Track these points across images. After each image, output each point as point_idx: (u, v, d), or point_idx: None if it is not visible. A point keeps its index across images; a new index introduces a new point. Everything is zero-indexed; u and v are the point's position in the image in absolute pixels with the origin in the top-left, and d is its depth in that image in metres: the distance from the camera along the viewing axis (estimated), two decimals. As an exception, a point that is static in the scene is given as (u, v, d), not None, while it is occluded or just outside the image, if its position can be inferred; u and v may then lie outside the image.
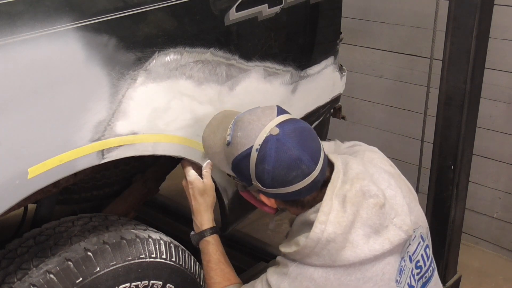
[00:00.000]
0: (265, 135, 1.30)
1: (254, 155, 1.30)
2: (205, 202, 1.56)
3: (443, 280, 2.25)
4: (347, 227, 1.27)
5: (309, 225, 1.30)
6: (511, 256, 2.86)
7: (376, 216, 1.29)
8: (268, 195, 1.36)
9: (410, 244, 1.37)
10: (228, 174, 1.48)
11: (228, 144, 1.37)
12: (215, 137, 1.45)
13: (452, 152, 2.05)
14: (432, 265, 1.45)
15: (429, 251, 1.43)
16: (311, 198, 1.34)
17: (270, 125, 1.31)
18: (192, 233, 1.59)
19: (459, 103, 1.98)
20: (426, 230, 1.45)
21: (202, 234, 1.55)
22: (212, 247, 1.54)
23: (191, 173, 1.55)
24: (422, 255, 1.40)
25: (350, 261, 1.26)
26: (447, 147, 2.06)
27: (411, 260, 1.37)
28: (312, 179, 1.30)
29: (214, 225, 1.57)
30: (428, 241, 1.44)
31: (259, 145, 1.30)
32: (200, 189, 1.54)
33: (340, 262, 1.26)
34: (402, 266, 1.33)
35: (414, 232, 1.38)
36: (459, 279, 2.36)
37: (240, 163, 1.34)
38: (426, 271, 1.42)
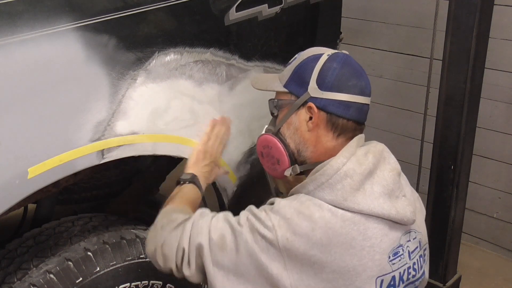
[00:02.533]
0: (336, 51, 1.40)
1: (324, 58, 1.37)
2: (199, 165, 1.55)
3: (443, 280, 2.25)
4: (365, 172, 1.28)
5: (315, 180, 1.29)
6: (511, 256, 2.86)
7: (391, 180, 1.31)
8: (319, 103, 1.34)
9: (409, 240, 1.36)
10: (270, 106, 1.45)
11: (290, 62, 1.43)
12: (267, 75, 1.56)
13: (452, 152, 2.05)
14: (422, 277, 1.43)
15: (422, 262, 1.42)
16: (344, 128, 1.35)
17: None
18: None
19: (459, 103, 1.98)
20: (425, 242, 1.44)
21: (179, 180, 1.52)
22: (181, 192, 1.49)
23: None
24: (417, 260, 1.39)
25: (360, 206, 1.25)
26: (447, 147, 2.06)
27: (410, 257, 1.35)
28: (363, 101, 1.37)
29: (196, 175, 1.52)
30: (423, 252, 1.42)
31: (332, 53, 1.38)
32: (201, 157, 1.55)
33: (350, 204, 1.25)
34: (399, 251, 1.32)
35: (415, 232, 1.37)
36: (459, 279, 2.36)
37: (304, 66, 1.38)
38: (416, 280, 1.41)
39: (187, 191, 1.47)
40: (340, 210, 1.25)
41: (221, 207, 1.76)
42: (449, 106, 2.01)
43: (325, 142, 1.36)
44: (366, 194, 1.27)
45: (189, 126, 1.53)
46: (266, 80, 1.51)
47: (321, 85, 1.34)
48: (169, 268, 1.32)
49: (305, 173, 1.37)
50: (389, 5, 2.96)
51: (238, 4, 1.59)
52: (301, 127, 1.37)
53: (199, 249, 1.26)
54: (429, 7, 2.50)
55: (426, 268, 1.42)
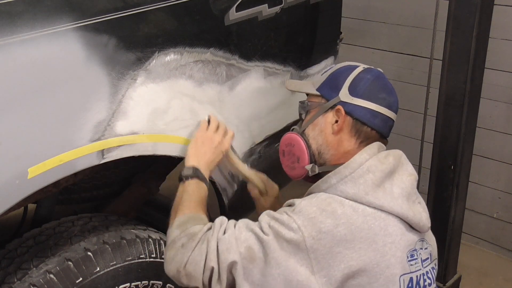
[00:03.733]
0: (371, 67, 1.49)
1: (360, 69, 1.45)
2: (199, 154, 1.50)
3: (443, 280, 2.25)
4: (386, 170, 1.32)
5: (339, 173, 1.31)
6: (511, 256, 2.86)
7: (409, 184, 1.35)
8: (347, 108, 1.39)
9: (422, 248, 1.37)
10: (300, 107, 1.49)
11: (326, 71, 1.51)
12: (297, 81, 1.68)
13: (452, 152, 2.05)
14: None
15: (434, 274, 1.43)
16: (367, 136, 1.39)
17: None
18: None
19: (459, 103, 1.98)
20: (435, 256, 1.44)
21: (181, 173, 1.48)
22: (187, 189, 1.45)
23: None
24: (430, 270, 1.40)
25: (380, 201, 1.27)
26: (447, 147, 2.06)
27: (423, 264, 1.37)
28: (389, 115, 1.42)
29: (197, 167, 1.48)
30: (434, 265, 1.43)
31: (366, 66, 1.47)
32: (199, 144, 1.51)
33: (371, 198, 1.27)
34: (414, 255, 1.33)
35: (426, 242, 1.39)
36: (459, 279, 2.36)
37: (339, 73, 1.46)
38: None
39: (193, 191, 1.44)
40: (361, 206, 1.27)
41: (221, 207, 1.76)
42: (449, 106, 2.01)
43: (346, 146, 1.40)
44: (386, 192, 1.30)
45: (189, 126, 1.53)
46: (300, 83, 1.60)
47: (353, 91, 1.41)
48: (193, 285, 1.29)
49: (321, 175, 1.38)
50: (389, 5, 2.96)
51: (238, 4, 1.59)
52: (326, 129, 1.42)
53: (231, 266, 1.25)
54: (429, 7, 2.49)
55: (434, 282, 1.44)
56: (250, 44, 1.68)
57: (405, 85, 2.98)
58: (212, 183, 1.68)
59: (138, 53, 1.37)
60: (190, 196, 1.42)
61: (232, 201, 1.76)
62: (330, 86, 1.45)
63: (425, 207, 1.40)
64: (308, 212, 1.25)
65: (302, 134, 1.45)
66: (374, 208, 1.27)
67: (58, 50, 1.22)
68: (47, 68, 1.20)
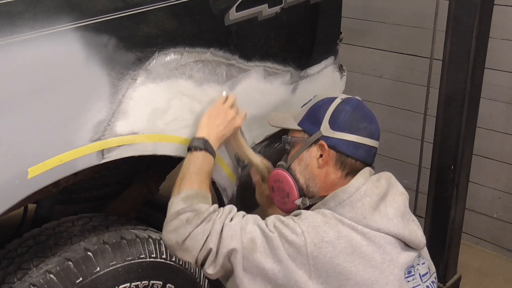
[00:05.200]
0: (350, 97, 1.50)
1: (338, 101, 1.46)
2: (212, 125, 1.51)
3: (443, 280, 2.25)
4: (381, 193, 1.35)
5: (337, 197, 1.34)
6: (511, 256, 2.86)
7: (402, 203, 1.38)
8: (330, 142, 1.41)
9: (419, 264, 1.38)
10: (283, 142, 1.52)
11: (305, 104, 1.53)
12: (283, 114, 1.63)
13: (452, 152, 2.05)
14: None
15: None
16: (352, 167, 1.41)
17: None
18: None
19: (459, 103, 1.98)
20: (433, 270, 1.46)
21: (191, 143, 1.49)
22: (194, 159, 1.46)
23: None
24: (430, 284, 1.41)
25: (377, 224, 1.30)
26: (447, 147, 2.06)
27: (421, 279, 1.38)
28: (372, 144, 1.43)
29: (207, 139, 1.49)
30: (434, 279, 1.45)
31: (345, 97, 1.48)
32: (214, 115, 1.52)
33: (369, 222, 1.30)
34: (411, 271, 1.36)
35: (423, 258, 1.41)
36: (459, 279, 2.36)
37: (319, 107, 1.47)
38: None
39: (201, 164, 1.45)
40: (359, 225, 1.30)
41: (221, 207, 1.76)
42: (449, 106, 2.01)
43: (333, 179, 1.43)
44: (382, 214, 1.33)
45: (189, 126, 1.53)
46: (281, 118, 1.59)
47: (333, 125, 1.42)
48: (185, 259, 1.33)
49: (313, 206, 1.41)
50: (389, 5, 2.96)
51: (238, 4, 1.59)
52: (311, 163, 1.45)
53: (231, 253, 1.28)
54: (429, 7, 2.49)
55: None
56: (250, 44, 1.68)
57: (405, 85, 2.98)
58: (212, 183, 1.69)
59: (138, 53, 1.37)
60: (198, 170, 1.44)
61: (232, 201, 1.76)
62: (311, 121, 1.47)
63: (419, 225, 1.43)
64: (314, 220, 1.29)
65: (289, 169, 1.48)
66: (372, 230, 1.31)
67: (58, 50, 1.22)
68: (47, 68, 1.20)
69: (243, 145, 1.65)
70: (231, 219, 1.32)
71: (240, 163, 1.73)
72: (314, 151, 1.44)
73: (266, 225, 1.31)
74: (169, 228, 1.33)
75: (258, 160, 1.67)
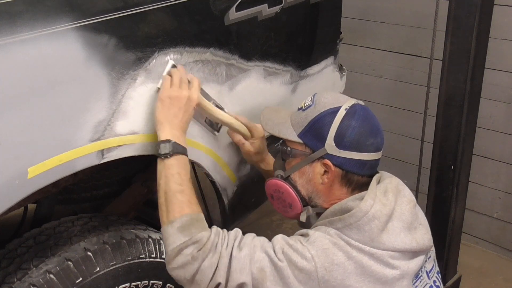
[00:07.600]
0: (353, 102, 1.39)
1: (342, 112, 1.36)
2: (169, 118, 1.37)
3: (443, 280, 2.25)
4: (389, 212, 1.31)
5: (346, 211, 1.30)
6: (511, 256, 2.86)
7: (409, 213, 1.34)
8: (336, 161, 1.35)
9: (426, 261, 1.38)
10: (281, 150, 1.45)
11: (305, 109, 1.42)
12: (278, 114, 1.52)
13: (452, 152, 2.05)
14: None
15: (439, 279, 1.44)
16: (359, 183, 1.38)
17: (355, 100, 1.41)
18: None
19: (459, 103, 1.98)
20: (434, 256, 1.46)
21: (158, 151, 1.35)
22: (166, 169, 1.33)
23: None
24: (436, 277, 1.41)
25: (385, 246, 1.28)
26: (447, 147, 2.06)
27: (428, 276, 1.38)
28: (378, 157, 1.39)
29: (172, 139, 1.34)
30: (438, 268, 1.45)
31: (349, 106, 1.37)
32: (167, 106, 1.37)
33: (376, 243, 1.28)
34: (419, 273, 1.36)
35: (429, 252, 1.41)
36: (459, 279, 2.36)
37: (322, 120, 1.37)
38: None
39: (178, 174, 1.33)
40: (367, 247, 1.28)
41: (221, 207, 1.76)
42: (449, 106, 2.01)
43: (338, 194, 1.40)
44: (389, 232, 1.30)
45: (189, 126, 1.53)
46: (278, 124, 1.48)
47: (339, 143, 1.35)
48: None
49: (318, 222, 1.38)
50: (389, 5, 2.96)
51: (238, 4, 1.59)
52: (314, 179, 1.40)
53: (241, 287, 1.26)
54: (429, 7, 2.50)
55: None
56: (250, 44, 1.68)
57: (405, 85, 2.98)
58: (212, 183, 1.68)
59: (138, 53, 1.37)
60: (179, 185, 1.32)
61: (232, 201, 1.76)
62: (314, 136, 1.38)
63: (427, 226, 1.40)
64: (322, 243, 1.27)
65: (288, 179, 1.44)
66: (379, 249, 1.29)
67: (58, 50, 1.22)
68: (47, 68, 1.20)
69: (210, 109, 1.51)
70: (240, 249, 1.27)
71: (215, 126, 1.62)
72: (318, 167, 1.38)
73: (275, 252, 1.27)
74: (174, 265, 1.28)
75: (231, 119, 1.56)
